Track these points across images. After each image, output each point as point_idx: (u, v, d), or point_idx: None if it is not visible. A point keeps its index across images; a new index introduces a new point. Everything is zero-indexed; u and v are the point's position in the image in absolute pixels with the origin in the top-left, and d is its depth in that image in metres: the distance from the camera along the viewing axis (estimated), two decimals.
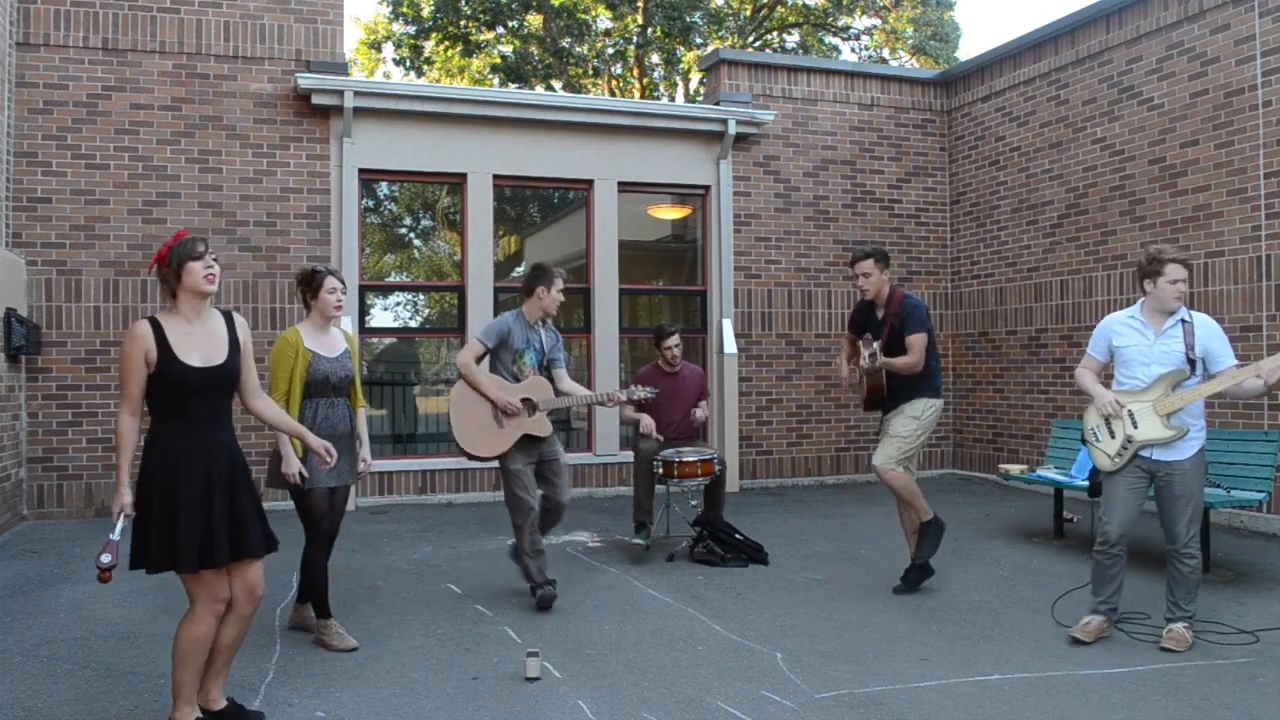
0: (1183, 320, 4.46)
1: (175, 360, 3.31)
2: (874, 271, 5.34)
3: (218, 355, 3.41)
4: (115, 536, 3.22)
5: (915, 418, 5.30)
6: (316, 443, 3.85)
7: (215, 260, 3.44)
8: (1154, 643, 4.49)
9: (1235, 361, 4.38)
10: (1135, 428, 4.46)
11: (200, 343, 3.38)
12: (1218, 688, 3.96)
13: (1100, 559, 4.59)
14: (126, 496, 3.27)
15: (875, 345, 5.23)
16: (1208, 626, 4.67)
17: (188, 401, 3.34)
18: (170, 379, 3.31)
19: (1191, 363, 4.38)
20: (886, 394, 5.36)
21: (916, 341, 5.21)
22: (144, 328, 3.32)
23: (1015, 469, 7.62)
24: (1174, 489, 4.43)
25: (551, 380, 5.40)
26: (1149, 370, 4.47)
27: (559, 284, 5.34)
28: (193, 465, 3.31)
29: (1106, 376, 4.78)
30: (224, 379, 3.43)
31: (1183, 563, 4.44)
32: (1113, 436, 4.55)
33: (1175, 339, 4.44)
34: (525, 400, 5.24)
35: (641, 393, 5.72)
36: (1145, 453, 4.48)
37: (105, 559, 3.19)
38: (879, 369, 5.25)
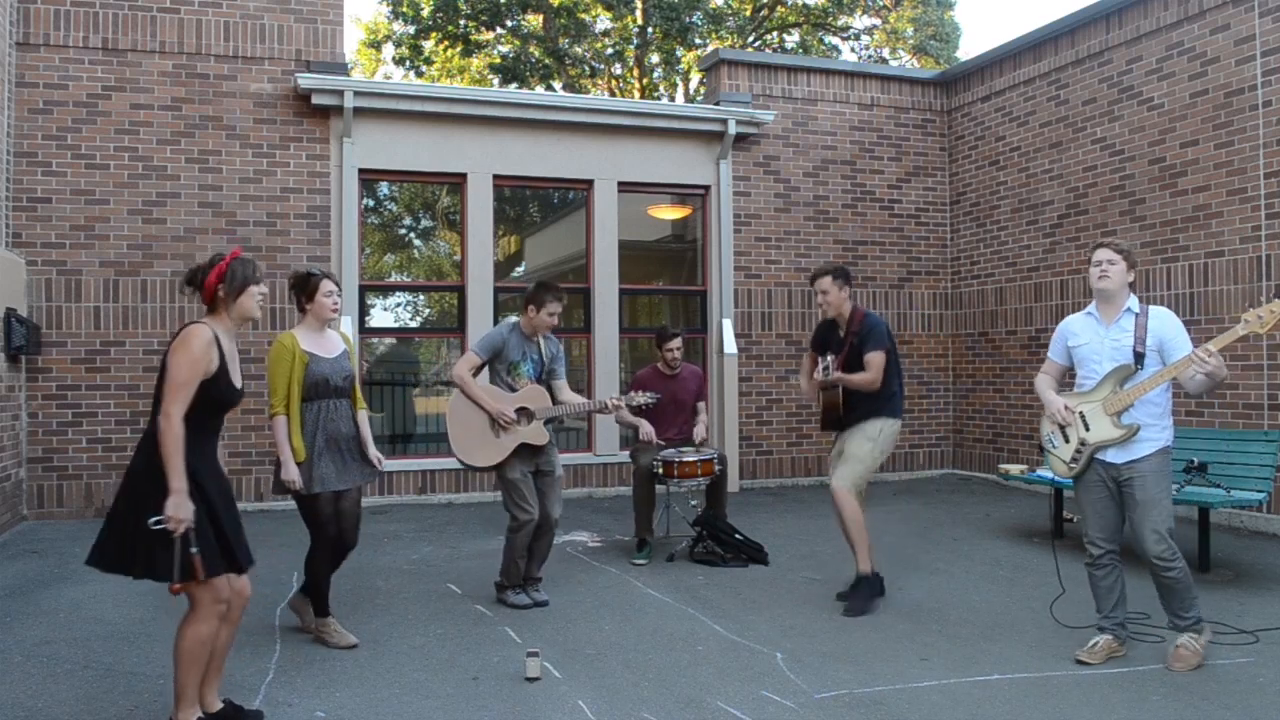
0: (1134, 313, 4.27)
1: (227, 376, 3.36)
2: (832, 289, 5.21)
3: (239, 376, 3.50)
4: (195, 550, 3.16)
5: (871, 439, 5.16)
6: (178, 497, 3.25)
7: (265, 291, 3.54)
8: (1155, 643, 4.48)
9: (1192, 350, 4.10)
10: (1088, 430, 4.30)
11: (234, 360, 3.45)
12: (1218, 688, 3.96)
13: (1090, 572, 4.42)
14: (192, 506, 3.16)
15: (830, 359, 5.13)
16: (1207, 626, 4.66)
17: (215, 418, 3.40)
18: (219, 392, 3.33)
19: (1139, 355, 4.19)
20: (843, 412, 5.27)
21: (874, 359, 5.08)
22: (211, 334, 3.31)
23: (1015, 469, 7.63)
24: (1134, 493, 4.18)
25: (551, 391, 5.41)
26: (1101, 367, 4.31)
27: (550, 307, 5.25)
28: (216, 474, 3.38)
29: (1070, 380, 4.61)
30: (240, 398, 3.53)
31: (1163, 574, 4.16)
32: (1067, 441, 4.39)
33: (1125, 332, 4.24)
34: (522, 409, 5.24)
35: (641, 398, 5.73)
36: (1100, 456, 4.27)
37: (201, 576, 3.18)
38: (832, 383, 5.16)
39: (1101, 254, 4.31)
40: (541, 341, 5.42)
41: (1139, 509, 4.18)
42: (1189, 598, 4.22)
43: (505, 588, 5.32)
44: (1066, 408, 4.37)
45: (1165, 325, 4.21)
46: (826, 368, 5.12)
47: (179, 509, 3.13)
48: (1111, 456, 4.26)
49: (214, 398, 3.32)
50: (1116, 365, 4.25)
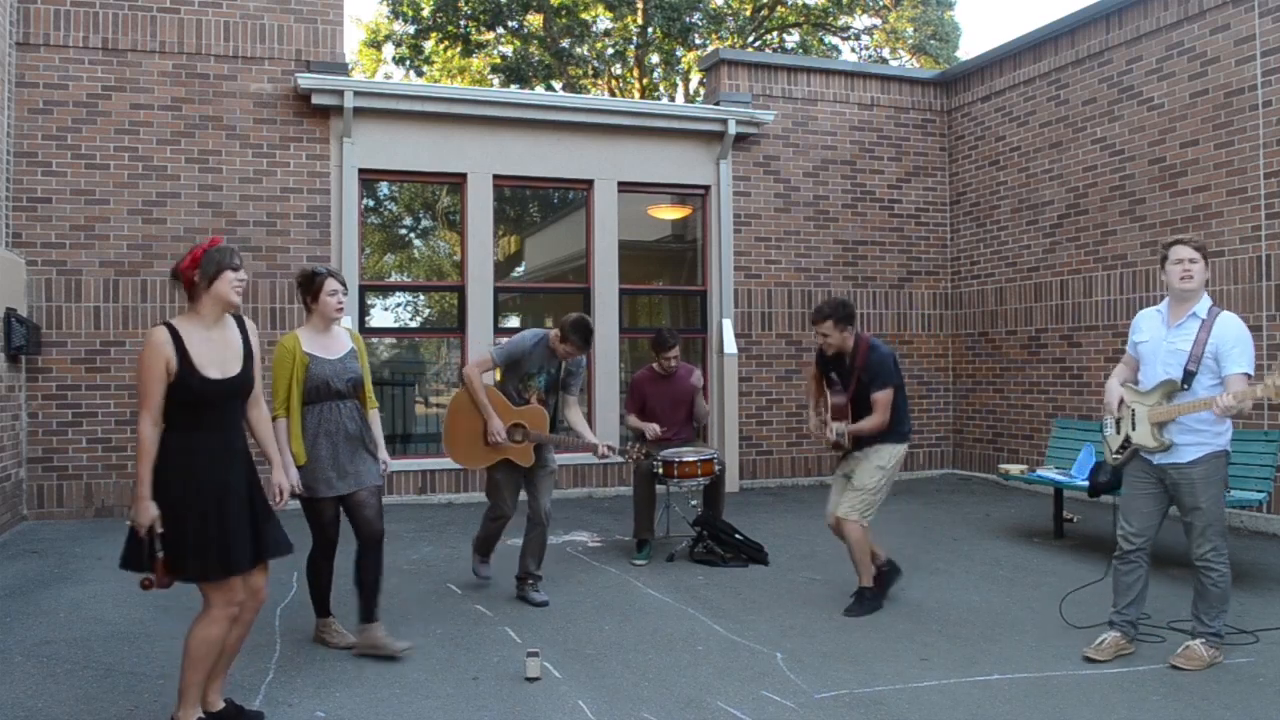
0: (1200, 319, 4.17)
1: (195, 372, 3.28)
2: (834, 333, 5.07)
3: (233, 366, 3.40)
4: (159, 555, 3.21)
5: (882, 467, 5.09)
6: (280, 477, 3.80)
7: (243, 278, 3.49)
8: (1155, 643, 4.48)
9: (1244, 369, 4.04)
10: (1134, 429, 4.33)
11: (218, 351, 3.37)
12: (1218, 688, 3.96)
13: (1116, 565, 4.44)
14: (154, 510, 3.19)
15: (842, 425, 5.03)
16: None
17: (202, 413, 3.32)
18: (189, 391, 3.27)
19: (1189, 374, 4.13)
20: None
21: (883, 399, 4.99)
22: (163, 335, 3.26)
23: (1015, 469, 7.62)
24: (1181, 498, 4.22)
25: (559, 404, 5.43)
26: (1154, 370, 4.30)
27: (567, 346, 5.22)
28: (209, 473, 3.31)
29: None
30: (239, 390, 3.44)
31: (1204, 575, 4.20)
32: (1118, 432, 4.43)
33: (1185, 338, 4.18)
34: (517, 425, 5.24)
35: (637, 452, 5.65)
36: (1147, 455, 4.31)
37: (165, 581, 3.23)
38: (849, 445, 5.08)
39: (1183, 251, 4.22)
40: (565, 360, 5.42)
41: (1186, 514, 4.24)
42: (1220, 608, 4.24)
43: (474, 554, 5.67)
44: (1122, 402, 4.38)
45: (1225, 334, 4.11)
46: (841, 434, 5.03)
47: (138, 514, 3.20)
48: (1159, 459, 4.27)
49: (182, 395, 3.27)
50: (1168, 375, 4.21)
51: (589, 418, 9.60)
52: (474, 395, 5.23)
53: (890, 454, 5.13)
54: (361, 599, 4.48)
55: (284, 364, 4.31)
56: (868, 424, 5.02)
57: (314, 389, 4.35)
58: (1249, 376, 4.03)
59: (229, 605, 3.34)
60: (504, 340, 5.70)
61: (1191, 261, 4.19)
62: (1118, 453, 4.45)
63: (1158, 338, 4.33)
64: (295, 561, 4.91)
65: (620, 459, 5.59)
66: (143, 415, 3.23)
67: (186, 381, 3.26)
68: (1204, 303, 4.25)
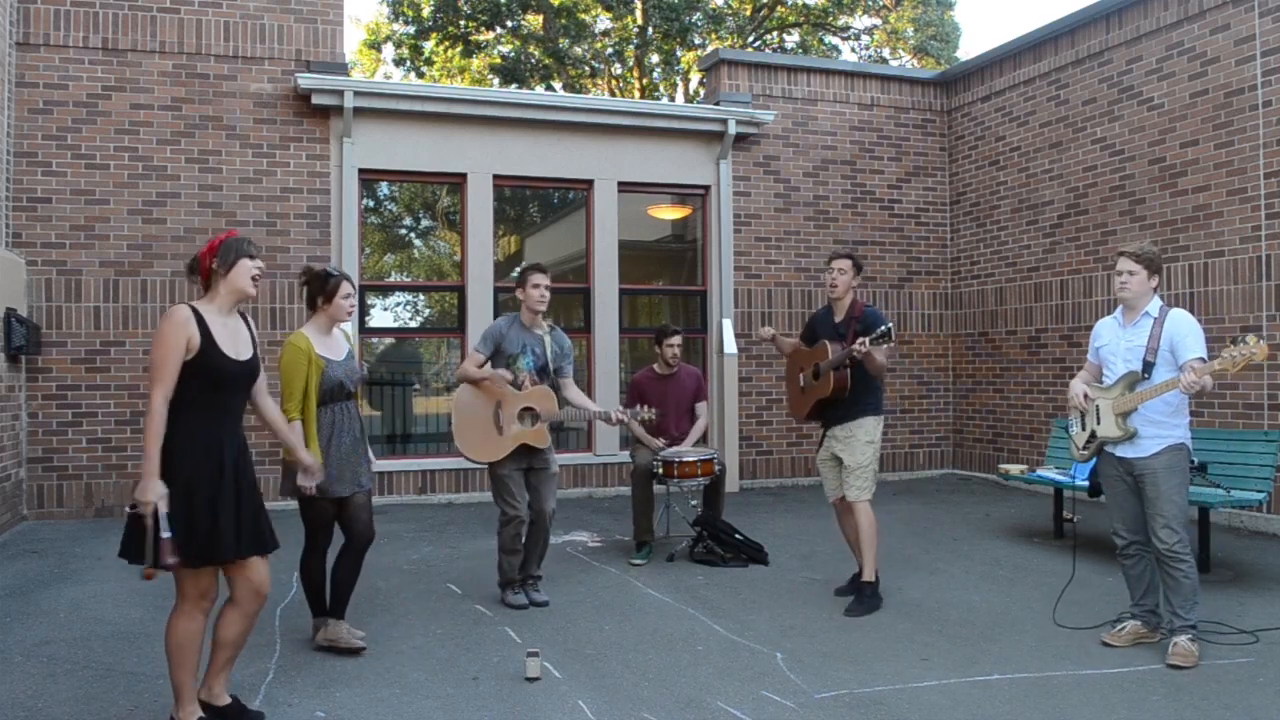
0: (1152, 317, 4.41)
1: (216, 349, 3.33)
2: (849, 271, 5.44)
3: (245, 351, 3.46)
4: (167, 534, 3.13)
5: (871, 441, 5.27)
6: (307, 459, 3.91)
7: (261, 267, 3.54)
8: (1155, 643, 4.49)
9: (1199, 354, 4.23)
10: (1098, 423, 4.51)
11: (231, 336, 3.42)
12: (1218, 688, 3.96)
13: (1120, 562, 4.63)
14: (162, 487, 3.15)
15: (865, 339, 5.04)
16: (1207, 626, 4.63)
17: (218, 394, 3.37)
18: (210, 368, 3.30)
19: (1148, 365, 4.33)
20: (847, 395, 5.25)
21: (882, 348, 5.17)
22: (186, 312, 3.32)
23: (1015, 469, 7.62)
24: (1144, 489, 4.37)
25: (557, 389, 5.41)
26: (1116, 367, 4.50)
27: (534, 279, 5.28)
28: (216, 458, 3.33)
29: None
30: (251, 374, 3.50)
31: (1172, 567, 4.30)
32: (1084, 429, 4.60)
33: (1141, 333, 4.42)
34: (527, 409, 5.24)
35: (645, 414, 5.67)
36: (1111, 449, 4.49)
37: (171, 560, 3.13)
38: (861, 357, 5.07)
39: (1122, 264, 4.50)
40: (547, 337, 5.39)
41: (1149, 505, 4.37)
42: (1191, 600, 4.32)
43: (504, 587, 5.34)
44: (1086, 396, 4.56)
45: (1177, 327, 4.35)
46: (864, 343, 4.96)
47: (144, 491, 3.14)
48: (1123, 452, 4.46)
49: (204, 374, 3.29)
50: (1129, 369, 4.42)
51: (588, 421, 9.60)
52: (474, 377, 5.24)
53: (874, 427, 5.33)
54: (335, 595, 4.53)
55: (298, 365, 4.26)
56: (878, 357, 5.13)
57: (328, 390, 4.36)
58: (1204, 361, 4.22)
59: (202, 599, 3.35)
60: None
61: (1130, 274, 4.46)
62: (1084, 448, 4.61)
63: (1116, 339, 4.56)
64: (295, 561, 4.91)
65: (640, 417, 5.61)
66: (156, 391, 3.22)
67: (209, 360, 3.30)
68: (1154, 303, 4.49)
